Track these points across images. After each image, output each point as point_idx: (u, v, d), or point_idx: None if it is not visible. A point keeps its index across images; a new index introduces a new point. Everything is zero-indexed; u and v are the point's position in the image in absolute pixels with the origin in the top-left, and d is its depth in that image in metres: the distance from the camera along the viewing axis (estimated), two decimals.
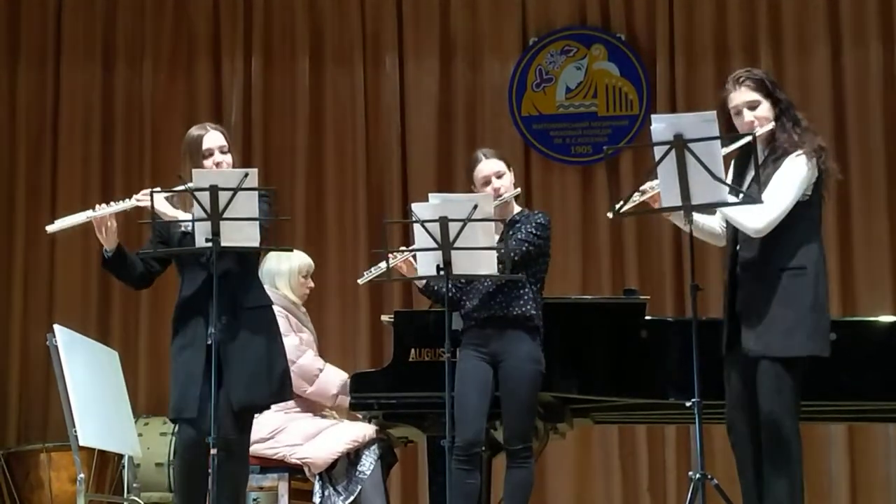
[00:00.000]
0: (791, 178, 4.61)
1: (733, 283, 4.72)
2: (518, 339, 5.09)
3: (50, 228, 4.98)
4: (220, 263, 4.84)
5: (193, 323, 4.91)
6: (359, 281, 5.35)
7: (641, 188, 4.72)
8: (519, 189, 5.29)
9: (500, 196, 5.17)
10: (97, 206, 4.93)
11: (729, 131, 4.67)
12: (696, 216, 4.78)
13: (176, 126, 8.20)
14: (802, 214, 4.66)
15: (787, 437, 4.55)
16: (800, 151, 4.64)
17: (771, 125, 4.69)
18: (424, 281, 5.24)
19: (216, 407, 4.77)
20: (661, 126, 4.52)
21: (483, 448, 5.11)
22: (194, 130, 5.07)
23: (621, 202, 4.71)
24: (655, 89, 8.29)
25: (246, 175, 4.76)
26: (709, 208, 4.65)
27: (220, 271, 4.84)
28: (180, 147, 5.11)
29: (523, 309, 5.11)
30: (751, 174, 4.68)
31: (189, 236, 4.86)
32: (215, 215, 4.72)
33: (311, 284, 6.18)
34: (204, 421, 4.80)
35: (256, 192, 4.78)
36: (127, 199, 4.96)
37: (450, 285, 5.11)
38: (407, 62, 8.47)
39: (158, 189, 4.92)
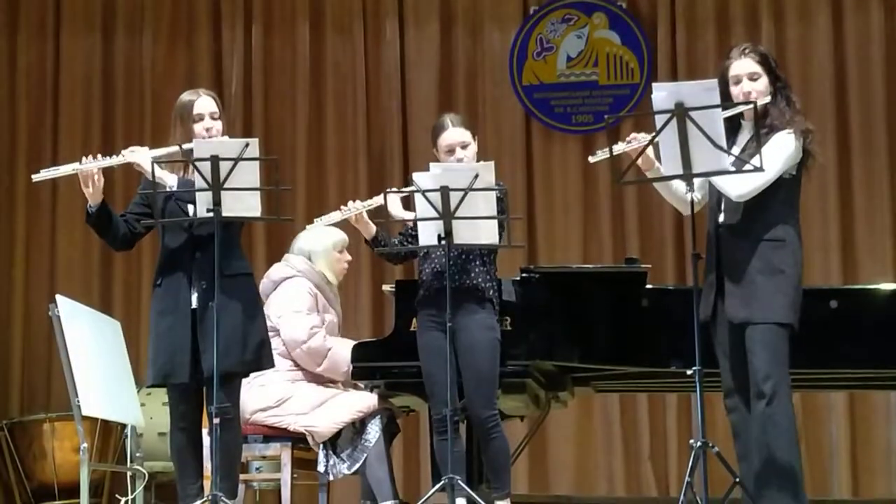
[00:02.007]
0: (779, 152, 4.67)
1: (718, 251, 4.76)
2: (471, 311, 5.10)
3: (35, 177, 5.03)
4: (204, 227, 4.87)
5: (175, 287, 4.94)
6: (315, 220, 5.39)
7: (629, 138, 4.76)
8: (481, 163, 5.24)
9: None
10: (83, 158, 4.95)
11: (724, 100, 4.68)
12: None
13: (176, 97, 8.14)
14: (785, 191, 4.72)
15: (779, 396, 4.59)
16: (790, 129, 4.71)
17: (767, 98, 4.74)
18: (374, 233, 5.26)
19: (200, 373, 4.85)
20: (663, 94, 4.54)
21: (461, 415, 5.15)
22: (185, 96, 5.09)
23: (605, 150, 4.76)
24: (657, 57, 8.27)
25: (247, 145, 4.77)
26: (710, 176, 4.66)
27: (204, 234, 4.87)
28: None
29: (476, 281, 5.13)
30: (741, 144, 4.73)
31: (173, 199, 4.89)
32: (216, 185, 4.74)
33: (349, 258, 6.19)
34: (191, 386, 4.90)
35: (257, 162, 4.79)
36: (115, 156, 4.97)
37: (395, 241, 5.24)
38: (407, 30, 8.45)
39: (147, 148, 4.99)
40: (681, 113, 4.48)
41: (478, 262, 5.16)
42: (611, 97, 8.31)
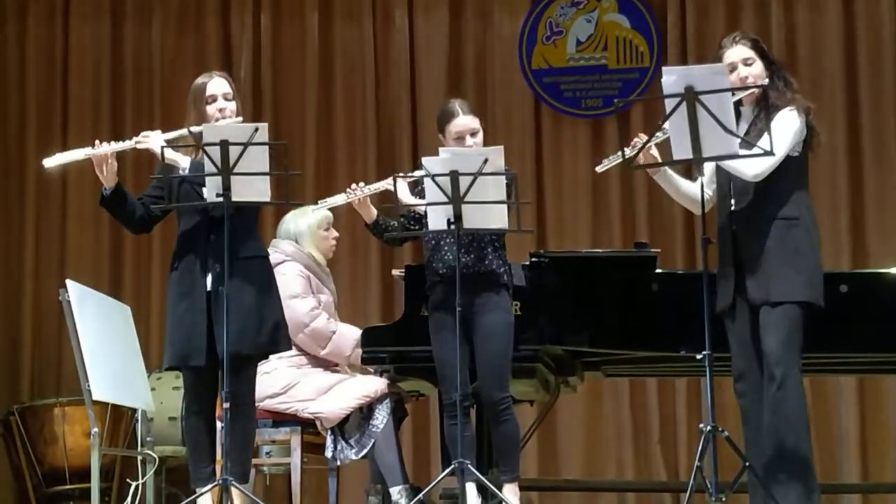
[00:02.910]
0: (786, 130, 4.70)
1: (733, 236, 4.77)
2: (486, 295, 5.12)
3: (47, 162, 5.03)
4: (219, 209, 4.87)
5: (191, 270, 4.96)
6: (319, 202, 5.43)
7: (634, 141, 4.78)
8: (491, 147, 5.23)
9: None
10: (96, 143, 4.96)
11: None
12: (680, 182, 4.89)
13: (185, 83, 8.08)
14: (792, 169, 4.74)
15: (791, 381, 4.61)
16: (792, 107, 4.75)
17: (767, 80, 4.77)
18: (374, 217, 5.28)
19: (215, 356, 4.86)
20: (673, 78, 4.54)
21: (471, 400, 5.18)
22: (200, 79, 5.13)
23: (612, 157, 4.84)
24: (666, 41, 8.25)
25: (256, 129, 4.78)
26: (721, 160, 4.66)
27: (219, 216, 4.87)
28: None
29: (491, 267, 5.15)
30: (743, 127, 4.75)
31: (186, 182, 4.90)
32: (226, 170, 4.74)
33: (336, 235, 6.19)
34: (206, 369, 4.91)
35: (267, 147, 4.79)
36: (127, 140, 4.99)
37: (394, 224, 5.27)
38: (416, 16, 8.44)
39: (160, 132, 4.99)
40: (691, 97, 4.47)
41: (491, 248, 5.17)
42: (620, 81, 8.30)
